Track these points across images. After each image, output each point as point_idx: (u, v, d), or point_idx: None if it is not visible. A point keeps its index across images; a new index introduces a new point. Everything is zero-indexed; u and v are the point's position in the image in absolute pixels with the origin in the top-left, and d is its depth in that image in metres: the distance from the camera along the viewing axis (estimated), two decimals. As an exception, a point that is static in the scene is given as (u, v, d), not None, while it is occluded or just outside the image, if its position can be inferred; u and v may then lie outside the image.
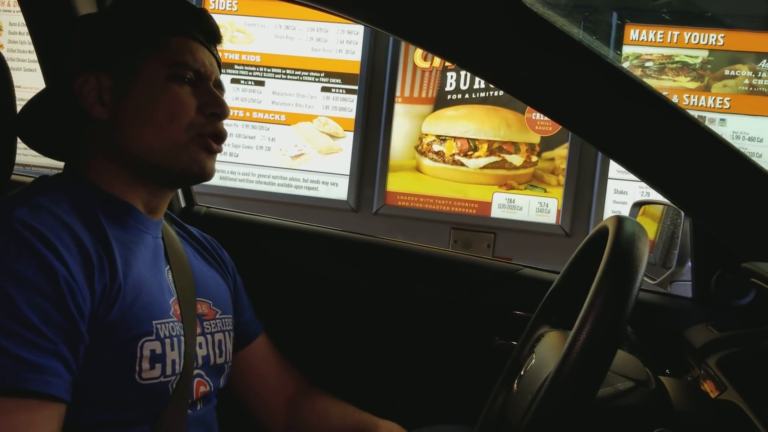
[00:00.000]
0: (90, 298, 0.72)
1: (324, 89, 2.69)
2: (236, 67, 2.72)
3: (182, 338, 0.82)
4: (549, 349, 0.73)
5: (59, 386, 0.67)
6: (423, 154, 2.61)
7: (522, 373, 0.74)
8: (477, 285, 1.23)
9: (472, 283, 1.24)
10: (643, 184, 2.40)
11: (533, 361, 0.73)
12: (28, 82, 2.47)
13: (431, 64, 2.59)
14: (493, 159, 2.55)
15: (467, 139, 2.56)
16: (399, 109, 2.62)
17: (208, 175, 0.87)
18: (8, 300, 0.66)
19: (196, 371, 0.85)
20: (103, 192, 0.83)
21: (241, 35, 2.72)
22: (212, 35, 0.91)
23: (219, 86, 0.91)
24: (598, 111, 0.82)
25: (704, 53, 2.44)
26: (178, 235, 0.98)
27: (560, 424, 0.54)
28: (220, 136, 0.87)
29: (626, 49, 2.49)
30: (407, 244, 1.33)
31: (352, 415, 1.02)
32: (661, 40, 2.47)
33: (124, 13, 0.87)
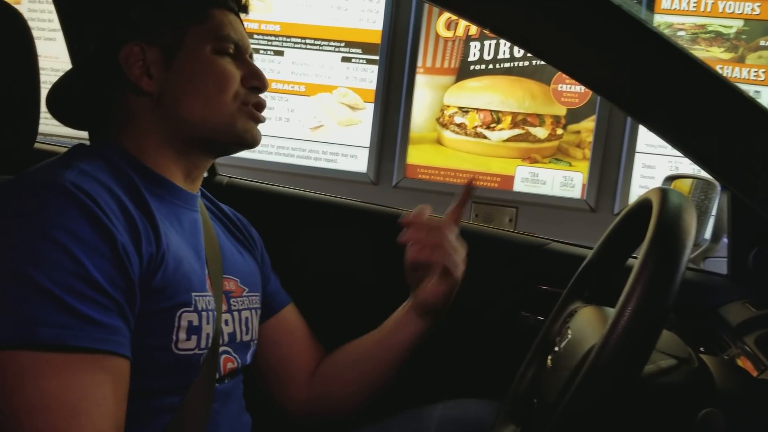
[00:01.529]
0: (138, 264, 0.72)
1: (344, 59, 2.65)
2: (255, 36, 2.69)
3: (214, 313, 0.82)
4: (585, 325, 0.71)
5: (126, 345, 0.69)
6: (444, 126, 2.58)
7: (556, 348, 0.72)
8: (502, 259, 1.21)
9: (497, 257, 1.22)
10: (672, 159, 2.36)
11: (569, 336, 0.71)
12: (49, 50, 2.47)
13: (454, 33, 2.54)
14: (516, 132, 2.51)
15: (490, 111, 2.52)
16: (420, 79, 2.58)
17: (257, 143, 0.90)
18: (74, 260, 0.66)
19: (223, 347, 0.85)
20: (140, 163, 0.83)
21: (260, 4, 2.69)
22: (245, 7, 0.93)
23: (251, 57, 0.93)
24: (634, 76, 0.79)
25: (739, 23, 2.37)
26: (208, 211, 0.97)
27: (604, 401, 0.52)
28: (262, 106, 0.90)
29: (658, 18, 2.42)
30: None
31: (379, 333, 1.02)
32: (695, 9, 2.40)
33: None
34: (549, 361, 0.73)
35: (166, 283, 0.76)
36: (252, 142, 0.88)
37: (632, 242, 0.82)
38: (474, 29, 2.51)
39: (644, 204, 0.70)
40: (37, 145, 1.02)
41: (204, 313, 0.80)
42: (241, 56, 0.89)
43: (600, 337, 0.55)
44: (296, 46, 2.69)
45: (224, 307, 0.87)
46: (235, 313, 0.90)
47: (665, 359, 0.61)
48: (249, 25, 2.67)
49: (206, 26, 0.85)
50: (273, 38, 2.69)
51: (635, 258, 0.61)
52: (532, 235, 1.34)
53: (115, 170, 0.79)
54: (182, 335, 0.77)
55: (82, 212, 0.68)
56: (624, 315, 0.53)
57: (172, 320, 0.76)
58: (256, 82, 0.88)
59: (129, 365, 0.70)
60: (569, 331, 0.72)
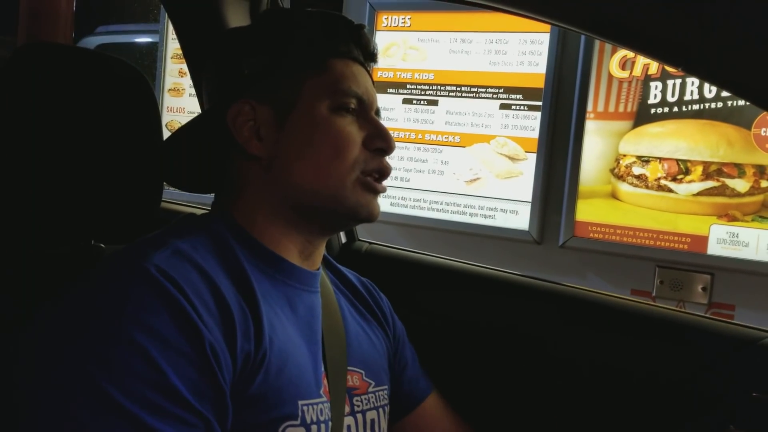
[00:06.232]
0: (231, 368, 0.65)
1: (503, 106, 2.55)
2: (408, 86, 2.68)
3: (329, 424, 0.72)
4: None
5: None
6: (621, 178, 2.37)
7: None
8: (703, 354, 1.02)
9: (695, 351, 1.02)
10: None
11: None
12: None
13: (631, 73, 2.35)
14: (710, 184, 2.24)
15: (677, 160, 2.28)
16: (591, 126, 2.41)
17: (375, 217, 0.81)
18: (153, 367, 0.59)
19: None
20: (251, 238, 0.77)
21: (414, 52, 2.68)
22: (372, 55, 0.85)
23: (378, 114, 0.84)
24: None
25: None
26: (332, 284, 0.90)
27: None
28: (385, 173, 0.81)
29: None
30: (604, 295, 1.15)
31: None
32: None
33: (278, 31, 0.81)
34: None
35: (267, 390, 0.67)
36: (367, 216, 0.79)
37: None
38: (654, 67, 2.31)
39: None
40: (164, 204, 1.01)
41: (314, 427, 0.70)
42: (365, 114, 0.80)
43: None
44: (451, 94, 2.64)
45: (346, 409, 0.78)
46: (359, 416, 0.80)
47: None
48: (402, 75, 2.67)
49: (324, 79, 0.78)
50: (427, 87, 2.67)
51: None
52: (730, 309, 1.12)
53: (221, 247, 0.73)
54: None
55: (166, 304, 0.62)
56: None
57: None
58: (380, 144, 0.79)
59: None
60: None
